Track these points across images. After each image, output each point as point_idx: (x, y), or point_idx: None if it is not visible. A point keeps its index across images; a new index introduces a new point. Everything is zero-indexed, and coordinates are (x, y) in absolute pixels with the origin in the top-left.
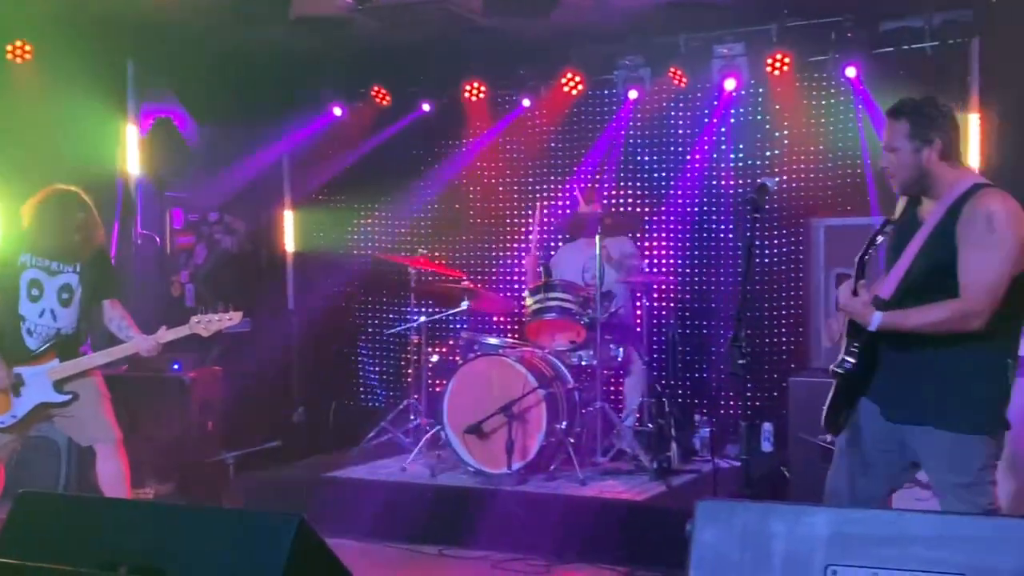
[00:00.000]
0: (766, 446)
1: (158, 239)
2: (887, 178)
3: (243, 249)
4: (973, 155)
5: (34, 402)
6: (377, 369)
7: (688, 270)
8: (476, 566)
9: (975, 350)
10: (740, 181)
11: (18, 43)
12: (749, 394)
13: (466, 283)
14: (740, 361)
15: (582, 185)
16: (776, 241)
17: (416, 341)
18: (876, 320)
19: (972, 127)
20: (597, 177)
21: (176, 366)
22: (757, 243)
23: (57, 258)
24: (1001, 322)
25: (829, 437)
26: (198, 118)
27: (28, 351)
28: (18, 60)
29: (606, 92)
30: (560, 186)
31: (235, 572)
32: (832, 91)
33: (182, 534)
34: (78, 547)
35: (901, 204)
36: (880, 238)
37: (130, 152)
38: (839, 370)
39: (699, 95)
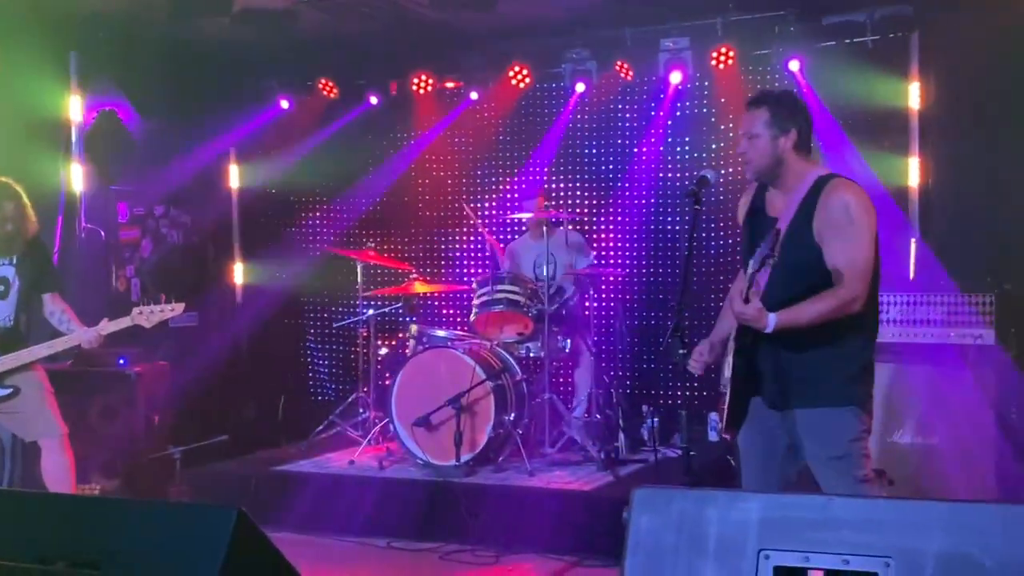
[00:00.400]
0: (712, 435)
1: (103, 233)
2: (744, 164)
3: (189, 243)
4: (913, 145)
5: None
6: (326, 363)
7: (636, 262)
8: (425, 558)
9: (839, 332)
10: (687, 173)
11: None
12: (696, 384)
13: (414, 276)
14: (681, 351)
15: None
16: (722, 232)
17: (364, 334)
18: (772, 322)
19: (912, 118)
20: (557, 175)
21: (122, 361)
22: (703, 235)
23: None
24: (872, 300)
25: None
26: (143, 111)
27: None
28: None
29: (553, 85)
30: (509, 178)
31: (173, 565)
32: (776, 84)
33: (120, 528)
34: (14, 542)
35: (745, 201)
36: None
37: (73, 144)
38: (732, 375)
39: (645, 88)
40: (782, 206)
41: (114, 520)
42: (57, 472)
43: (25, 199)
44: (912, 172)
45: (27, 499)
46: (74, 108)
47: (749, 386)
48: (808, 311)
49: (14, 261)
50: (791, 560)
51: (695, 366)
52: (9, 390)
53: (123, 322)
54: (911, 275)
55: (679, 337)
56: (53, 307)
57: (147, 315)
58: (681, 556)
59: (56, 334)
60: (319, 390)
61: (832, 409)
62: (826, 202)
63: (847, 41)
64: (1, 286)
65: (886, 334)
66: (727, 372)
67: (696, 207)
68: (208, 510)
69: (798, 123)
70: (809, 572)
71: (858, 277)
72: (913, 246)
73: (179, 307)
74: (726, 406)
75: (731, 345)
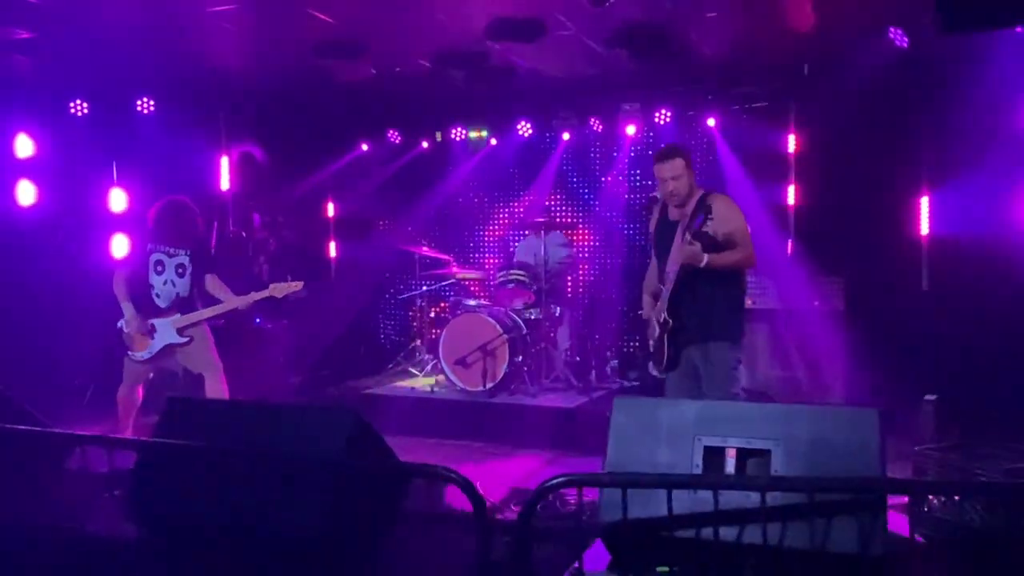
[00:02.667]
0: (654, 371)
1: (244, 234)
2: (671, 198)
3: (301, 241)
4: (790, 175)
5: (163, 343)
6: (392, 322)
7: (603, 256)
8: (463, 450)
9: (724, 290)
10: (638, 195)
11: (144, 99)
12: (641, 336)
13: (454, 265)
14: (641, 311)
15: (534, 202)
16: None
17: (420, 303)
18: (705, 259)
19: (789, 157)
20: (549, 195)
21: (257, 320)
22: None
23: (174, 245)
24: (743, 276)
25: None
26: (269, 151)
27: (158, 308)
28: (144, 111)
29: (548, 134)
30: (517, 199)
31: (315, 445)
32: (699, 134)
33: (275, 422)
34: (209, 432)
35: (655, 216)
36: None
37: (224, 174)
38: (660, 322)
39: (610, 136)
40: (679, 215)
41: (273, 417)
42: (216, 395)
43: (197, 210)
44: (789, 196)
45: (215, 404)
46: (224, 149)
47: (678, 337)
48: (726, 257)
49: (189, 252)
50: (715, 442)
51: (647, 312)
52: (187, 339)
53: (263, 294)
54: (788, 264)
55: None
56: (213, 283)
57: (280, 290)
58: (644, 441)
59: (214, 301)
60: (387, 341)
61: (720, 343)
62: (715, 206)
63: (747, 105)
64: (180, 269)
65: (770, 302)
66: (656, 331)
67: (650, 216)
68: (335, 409)
69: (691, 161)
70: (726, 450)
71: (749, 244)
72: (790, 245)
73: (300, 284)
74: (665, 355)
75: (661, 307)
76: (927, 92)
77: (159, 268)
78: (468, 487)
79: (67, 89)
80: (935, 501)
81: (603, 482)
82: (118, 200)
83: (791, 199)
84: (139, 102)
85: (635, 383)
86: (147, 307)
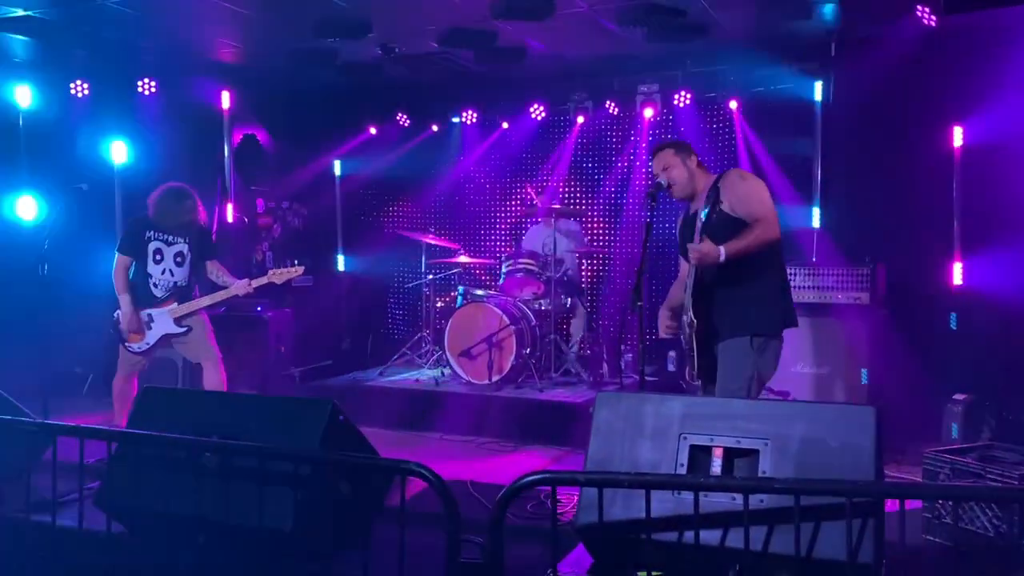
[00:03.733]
0: (670, 366)
1: (247, 220)
2: (674, 191)
3: (307, 227)
4: (816, 161)
5: (160, 333)
6: (400, 312)
7: (617, 243)
8: (466, 445)
9: (748, 277)
10: (654, 181)
11: (146, 80)
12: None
13: (461, 253)
14: (639, 303)
15: (536, 186)
16: (675, 220)
17: (427, 293)
18: (723, 253)
19: (816, 136)
20: (562, 181)
21: (259, 308)
22: (658, 224)
23: (172, 232)
24: (773, 256)
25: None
26: (274, 134)
27: (155, 298)
28: (146, 92)
29: (561, 118)
30: (528, 185)
31: (289, 437)
32: (720, 117)
33: (252, 413)
34: (183, 423)
35: (680, 217)
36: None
37: (227, 159)
38: (689, 324)
39: (627, 120)
40: (699, 205)
41: (248, 408)
42: (214, 385)
43: (196, 198)
44: (815, 182)
45: (190, 395)
46: (226, 133)
47: (710, 339)
48: (743, 240)
49: (187, 240)
50: (701, 441)
51: (663, 331)
52: (185, 328)
53: (262, 280)
54: (813, 256)
55: (637, 293)
56: (213, 268)
57: (279, 275)
58: (627, 437)
59: (214, 289)
60: (394, 331)
61: (739, 338)
62: (724, 183)
63: (771, 87)
64: (179, 258)
65: (796, 296)
66: (687, 330)
67: (652, 204)
68: (312, 401)
69: (691, 151)
70: (713, 449)
71: (767, 208)
72: (816, 235)
73: (300, 269)
74: (696, 360)
75: (687, 307)
76: (959, 71)
77: (157, 257)
78: (439, 484)
79: (68, 69)
80: (946, 506)
81: (579, 481)
82: (120, 181)
83: (817, 185)
84: (140, 83)
85: (652, 378)
86: (144, 297)
